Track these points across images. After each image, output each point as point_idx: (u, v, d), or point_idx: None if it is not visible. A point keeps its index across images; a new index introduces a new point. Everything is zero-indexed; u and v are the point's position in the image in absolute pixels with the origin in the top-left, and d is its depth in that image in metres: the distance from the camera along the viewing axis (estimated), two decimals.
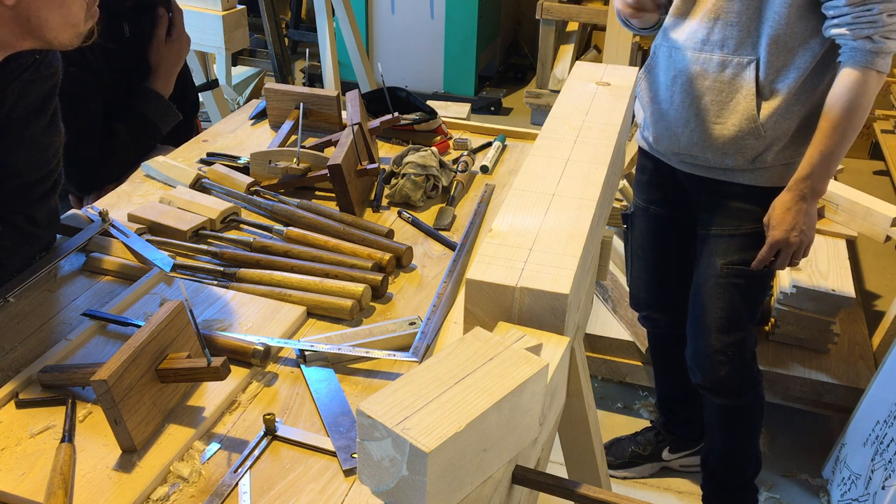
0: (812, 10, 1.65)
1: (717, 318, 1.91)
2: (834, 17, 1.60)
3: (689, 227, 2.00)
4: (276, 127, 1.91)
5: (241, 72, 4.60)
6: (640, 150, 2.04)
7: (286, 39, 5.06)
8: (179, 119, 1.89)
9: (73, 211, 1.57)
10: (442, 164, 1.68)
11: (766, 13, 1.67)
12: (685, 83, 1.78)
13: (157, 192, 1.62)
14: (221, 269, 1.36)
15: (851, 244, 2.82)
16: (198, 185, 1.62)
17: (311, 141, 1.81)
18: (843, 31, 1.59)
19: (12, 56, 1.19)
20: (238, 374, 1.13)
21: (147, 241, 1.41)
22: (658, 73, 1.86)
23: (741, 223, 1.84)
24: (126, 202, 1.59)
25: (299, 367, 1.17)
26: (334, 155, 1.54)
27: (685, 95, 1.79)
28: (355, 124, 1.64)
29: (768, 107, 1.73)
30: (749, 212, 1.83)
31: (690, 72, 1.77)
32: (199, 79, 3.17)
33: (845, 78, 1.63)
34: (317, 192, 1.65)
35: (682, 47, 1.78)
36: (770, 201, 1.79)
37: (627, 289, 2.72)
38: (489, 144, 1.90)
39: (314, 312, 1.28)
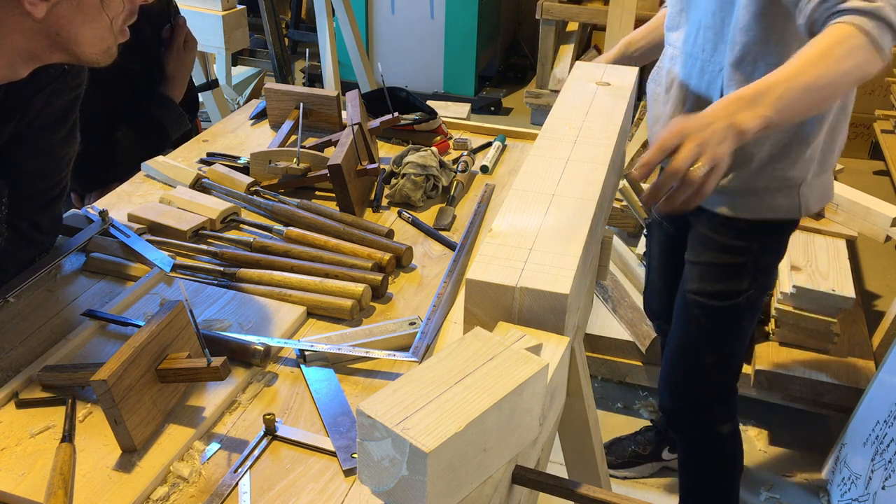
0: (770, 17, 1.45)
1: (675, 346, 1.84)
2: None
3: None
4: (276, 127, 1.91)
5: (241, 72, 4.60)
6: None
7: (286, 39, 5.06)
8: (189, 127, 1.89)
9: (73, 211, 1.57)
10: (442, 164, 1.68)
11: (734, 14, 1.50)
12: (677, 87, 1.69)
13: (157, 192, 1.62)
14: (221, 269, 1.36)
15: (851, 244, 2.82)
16: (198, 185, 1.62)
17: (311, 141, 1.81)
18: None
19: (41, 66, 1.19)
20: (238, 374, 1.13)
21: (147, 241, 1.41)
22: (661, 74, 1.80)
23: (703, 251, 1.74)
24: (126, 202, 1.59)
25: (299, 367, 1.17)
26: (334, 155, 1.54)
27: (674, 100, 1.70)
28: (355, 124, 1.64)
29: None
30: (711, 240, 1.72)
31: (681, 76, 1.68)
32: (199, 79, 3.17)
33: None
34: (317, 192, 1.65)
35: (681, 50, 1.67)
36: (728, 233, 1.67)
37: (627, 289, 2.73)
38: (489, 144, 1.90)
39: (314, 312, 1.28)
